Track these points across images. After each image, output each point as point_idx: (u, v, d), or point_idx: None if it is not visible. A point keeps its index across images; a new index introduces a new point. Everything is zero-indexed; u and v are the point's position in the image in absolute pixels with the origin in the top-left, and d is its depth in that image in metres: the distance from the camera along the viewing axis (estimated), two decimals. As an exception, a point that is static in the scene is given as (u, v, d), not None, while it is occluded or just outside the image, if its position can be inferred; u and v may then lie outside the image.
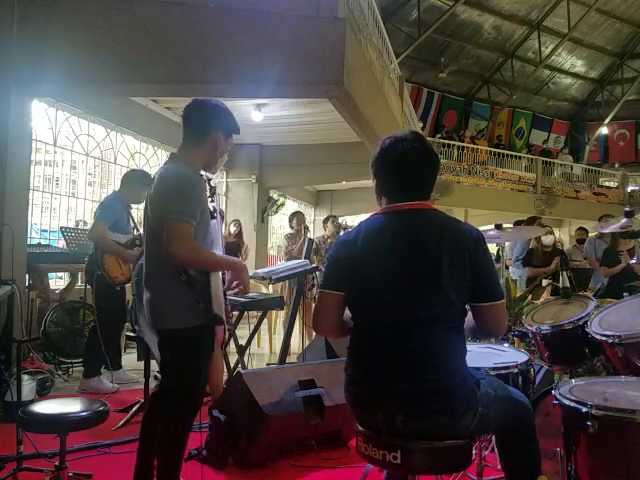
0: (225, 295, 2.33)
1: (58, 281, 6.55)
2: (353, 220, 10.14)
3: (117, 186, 7.17)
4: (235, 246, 7.66)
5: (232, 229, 7.65)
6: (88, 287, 5.37)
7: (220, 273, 2.27)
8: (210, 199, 2.33)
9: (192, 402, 2.28)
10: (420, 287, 1.72)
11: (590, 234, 7.44)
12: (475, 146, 14.99)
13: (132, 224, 4.46)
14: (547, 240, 5.84)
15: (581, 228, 8.18)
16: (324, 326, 1.89)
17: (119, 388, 4.36)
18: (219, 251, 2.43)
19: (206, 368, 2.32)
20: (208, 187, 2.39)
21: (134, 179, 4.46)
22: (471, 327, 1.82)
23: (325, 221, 6.73)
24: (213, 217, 2.33)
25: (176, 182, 2.14)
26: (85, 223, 6.51)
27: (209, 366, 2.39)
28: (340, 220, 7.18)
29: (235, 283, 2.32)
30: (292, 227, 6.61)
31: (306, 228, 6.49)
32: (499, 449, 1.90)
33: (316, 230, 12.16)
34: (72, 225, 6.47)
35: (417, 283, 1.72)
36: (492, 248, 6.73)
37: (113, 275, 4.22)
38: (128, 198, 4.46)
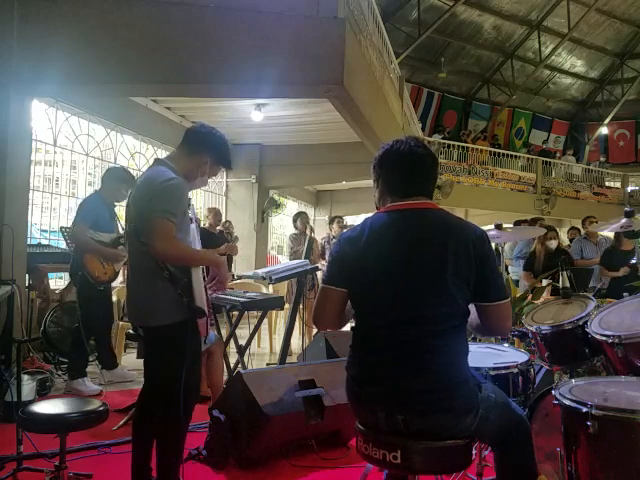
0: (206, 289, 2.40)
1: (58, 281, 6.55)
2: (353, 220, 10.14)
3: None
4: (222, 237, 6.74)
5: (212, 220, 6.60)
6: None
7: (201, 269, 2.36)
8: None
9: (188, 399, 2.27)
10: (425, 286, 1.72)
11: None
12: (475, 146, 14.99)
13: (117, 222, 4.45)
14: (552, 245, 5.82)
15: (573, 228, 8.19)
16: (324, 320, 1.90)
17: (102, 390, 4.31)
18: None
19: (196, 364, 2.34)
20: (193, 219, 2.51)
21: (114, 177, 4.44)
22: (475, 325, 1.83)
23: (331, 222, 6.72)
24: (191, 221, 2.43)
25: (162, 182, 2.22)
26: None
27: (200, 362, 2.43)
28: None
29: (216, 279, 2.42)
30: (296, 227, 6.58)
31: (311, 229, 6.46)
32: (495, 460, 1.88)
33: (316, 230, 12.16)
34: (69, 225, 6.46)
35: (422, 281, 1.72)
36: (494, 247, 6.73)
37: (96, 275, 4.20)
38: (110, 196, 4.43)
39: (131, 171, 5.16)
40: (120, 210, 4.61)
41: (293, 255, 6.32)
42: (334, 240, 6.30)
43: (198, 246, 2.49)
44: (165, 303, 2.22)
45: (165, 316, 2.23)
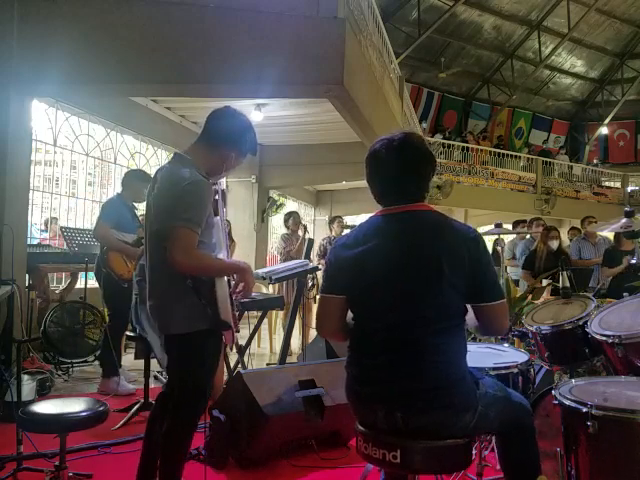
0: (232, 298, 2.31)
1: (58, 281, 6.55)
2: (353, 220, 10.14)
3: (117, 186, 7.22)
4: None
5: None
6: (89, 287, 5.42)
7: (226, 277, 2.26)
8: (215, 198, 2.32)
9: (200, 404, 2.27)
10: (420, 288, 1.72)
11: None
12: (477, 146, 14.99)
13: (138, 223, 4.50)
14: (553, 245, 5.80)
15: (574, 228, 8.18)
16: (327, 330, 1.92)
17: (136, 389, 4.32)
18: (224, 251, 2.43)
19: (214, 370, 2.32)
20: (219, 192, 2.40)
21: (133, 179, 4.55)
22: (473, 324, 1.82)
23: (331, 222, 6.68)
24: (216, 214, 2.32)
25: (185, 186, 2.10)
26: (56, 220, 6.51)
27: (216, 368, 2.39)
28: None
29: (241, 285, 2.29)
30: (288, 227, 6.54)
31: (304, 228, 6.44)
32: (499, 451, 1.90)
33: (316, 230, 12.17)
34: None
35: (417, 284, 1.72)
36: (492, 248, 6.73)
37: (119, 272, 4.27)
38: (131, 198, 4.54)
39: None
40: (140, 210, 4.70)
41: (285, 255, 6.27)
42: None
43: (224, 244, 2.40)
44: (189, 311, 2.15)
45: (190, 324, 2.16)
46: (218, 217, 2.34)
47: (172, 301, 2.17)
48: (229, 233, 7.37)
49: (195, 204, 2.10)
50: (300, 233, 6.43)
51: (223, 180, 8.98)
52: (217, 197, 2.35)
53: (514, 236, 7.23)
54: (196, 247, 2.08)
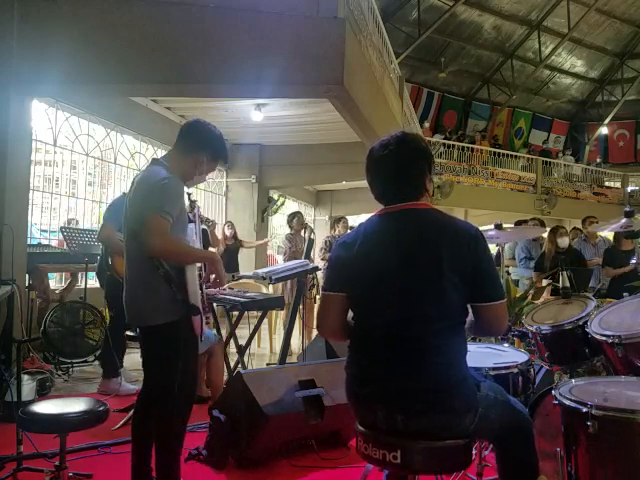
0: (202, 287, 2.42)
1: (58, 281, 6.55)
2: (354, 220, 10.14)
3: (117, 186, 7.23)
4: (235, 248, 7.57)
5: (227, 232, 7.45)
6: (89, 287, 5.41)
7: (196, 266, 2.36)
8: (189, 210, 2.51)
9: (178, 397, 2.28)
10: (420, 286, 1.71)
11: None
12: (476, 146, 14.99)
13: None
14: (563, 243, 5.74)
15: (575, 228, 8.19)
16: (327, 328, 1.91)
17: (137, 389, 4.33)
18: None
19: (192, 363, 2.36)
20: (188, 201, 2.60)
21: None
22: (471, 325, 1.82)
23: (337, 221, 6.69)
24: (190, 221, 2.47)
25: (156, 181, 2.23)
26: (77, 222, 6.51)
27: (196, 362, 2.44)
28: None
29: (212, 277, 2.42)
30: (292, 227, 6.55)
31: (309, 228, 6.43)
32: (497, 456, 1.88)
33: (316, 230, 12.15)
34: (64, 223, 6.50)
35: (417, 282, 1.72)
36: (492, 248, 6.70)
37: (123, 275, 4.23)
38: None
39: (131, 171, 5.19)
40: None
41: (290, 255, 6.26)
42: None
43: (198, 246, 2.51)
44: (162, 302, 2.23)
45: (162, 315, 2.24)
46: (192, 225, 2.48)
47: (147, 294, 2.26)
48: (234, 235, 7.48)
49: (166, 197, 2.22)
50: (302, 234, 6.43)
51: (223, 183, 8.82)
52: (195, 212, 2.58)
53: (515, 236, 7.20)
54: (168, 232, 2.17)
